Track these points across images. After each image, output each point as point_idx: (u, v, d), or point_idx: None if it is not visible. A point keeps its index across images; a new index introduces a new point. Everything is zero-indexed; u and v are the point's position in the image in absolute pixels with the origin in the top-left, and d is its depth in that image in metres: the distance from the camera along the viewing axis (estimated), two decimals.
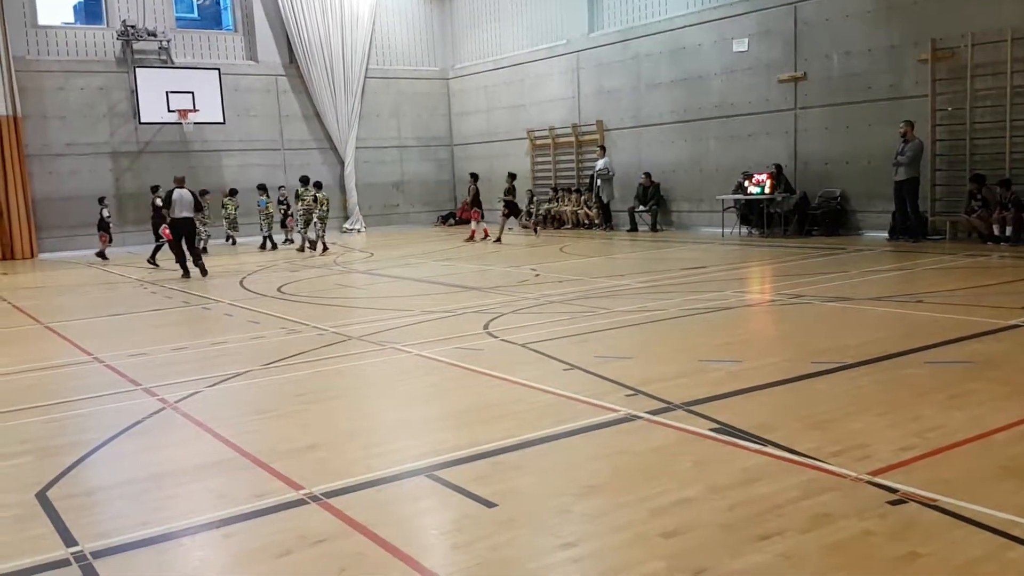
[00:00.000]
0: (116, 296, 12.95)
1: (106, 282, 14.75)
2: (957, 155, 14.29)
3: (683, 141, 19.12)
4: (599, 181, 20.59)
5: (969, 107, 13.98)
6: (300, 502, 4.11)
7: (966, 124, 14.05)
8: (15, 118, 19.80)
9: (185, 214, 14.31)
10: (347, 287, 12.69)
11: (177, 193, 14.30)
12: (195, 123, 21.73)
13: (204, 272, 14.36)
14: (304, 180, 18.69)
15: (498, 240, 18.43)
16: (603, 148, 20.63)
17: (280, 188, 21.61)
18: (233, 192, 21.26)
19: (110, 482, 4.61)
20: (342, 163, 24.47)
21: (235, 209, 21.02)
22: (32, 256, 20.16)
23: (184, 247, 14.41)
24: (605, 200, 20.58)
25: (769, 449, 4.49)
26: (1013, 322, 7.43)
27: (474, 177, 19.89)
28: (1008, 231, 13.31)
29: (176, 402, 6.12)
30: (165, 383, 6.70)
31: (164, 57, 21.91)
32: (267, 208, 20.27)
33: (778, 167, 16.69)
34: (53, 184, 20.75)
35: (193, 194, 14.73)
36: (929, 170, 14.45)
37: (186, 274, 14.35)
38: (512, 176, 19.34)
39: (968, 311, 8.02)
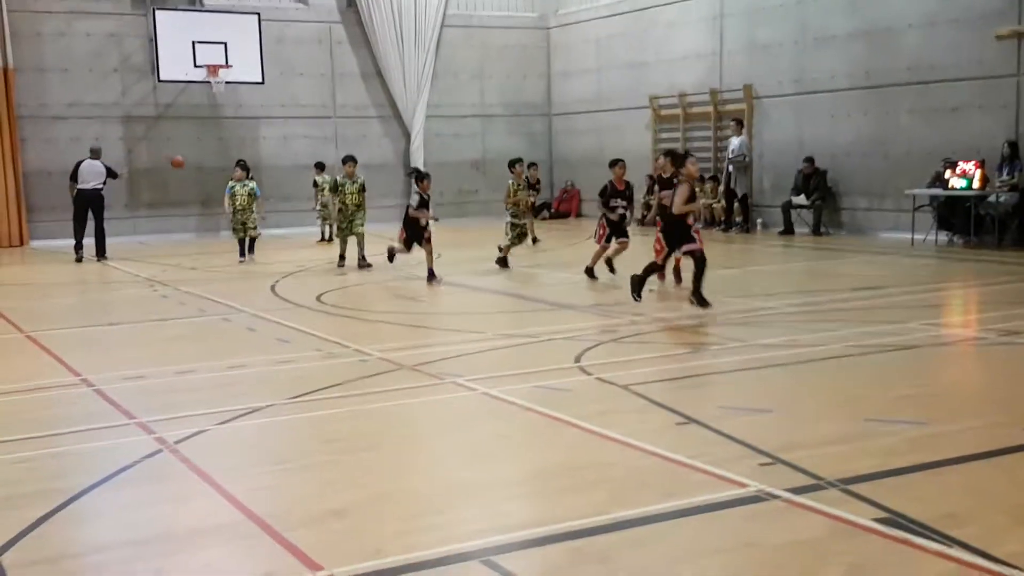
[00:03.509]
0: (117, 299, 13.48)
1: (107, 280, 15.36)
2: None
3: (862, 115, 18.78)
4: (731, 168, 20.56)
5: None
6: None
7: None
8: (5, 70, 20.74)
9: (92, 184, 17.42)
10: (403, 298, 12.81)
11: (88, 164, 17.54)
12: (227, 82, 22.34)
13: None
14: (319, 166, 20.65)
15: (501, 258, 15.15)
16: (739, 123, 20.56)
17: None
18: (320, 166, 21.27)
19: (82, 547, 4.73)
20: (408, 136, 24.91)
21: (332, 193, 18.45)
22: (22, 244, 21.15)
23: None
24: (740, 193, 20.48)
25: (957, 552, 4.27)
26: None
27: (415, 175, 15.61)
28: None
29: (176, 443, 6.26)
30: (165, 417, 6.86)
31: None
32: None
33: (1012, 146, 16.11)
34: (50, 154, 21.62)
35: (107, 167, 17.88)
36: None
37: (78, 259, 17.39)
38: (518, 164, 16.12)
39: None
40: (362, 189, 15.66)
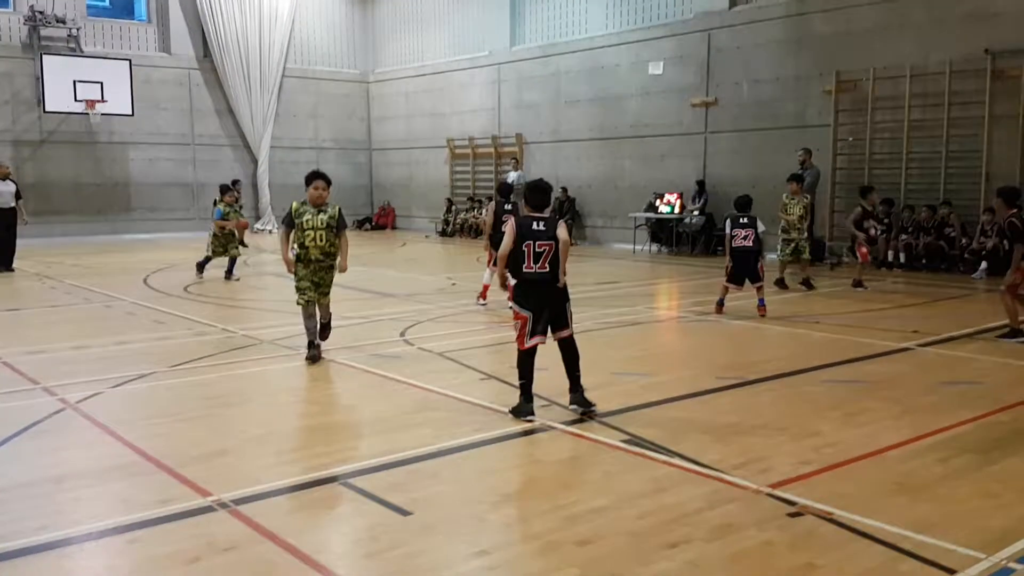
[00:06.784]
0: (12, 290, 12.28)
1: (1, 276, 13.96)
2: (856, 183, 14.95)
3: (599, 158, 19.48)
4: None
5: (869, 138, 14.73)
6: (208, 508, 4.01)
7: (865, 154, 14.81)
8: None
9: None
10: (258, 289, 12.37)
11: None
12: (102, 114, 20.84)
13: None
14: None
15: None
16: (516, 160, 20.95)
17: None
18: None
19: (7, 483, 4.38)
20: (255, 162, 23.89)
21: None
22: None
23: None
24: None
25: (676, 460, 4.62)
26: (904, 345, 7.87)
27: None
28: (903, 257, 14.05)
29: (77, 403, 5.87)
30: (65, 382, 6.42)
31: (73, 45, 20.97)
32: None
33: (701, 183, 17.15)
34: None
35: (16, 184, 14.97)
36: (829, 196, 15.15)
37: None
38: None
39: (862, 333, 8.44)
40: (335, 222, 7.39)
